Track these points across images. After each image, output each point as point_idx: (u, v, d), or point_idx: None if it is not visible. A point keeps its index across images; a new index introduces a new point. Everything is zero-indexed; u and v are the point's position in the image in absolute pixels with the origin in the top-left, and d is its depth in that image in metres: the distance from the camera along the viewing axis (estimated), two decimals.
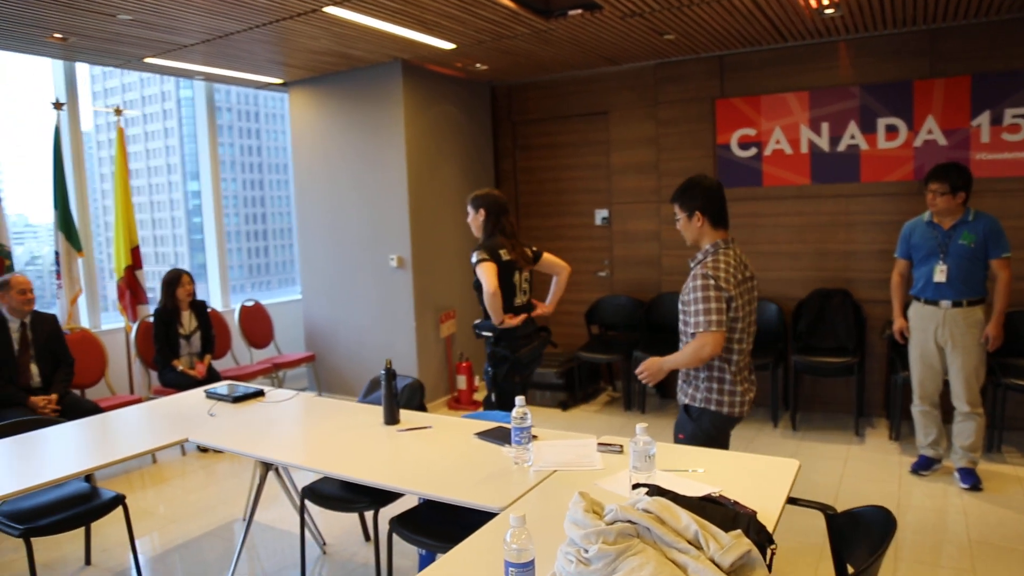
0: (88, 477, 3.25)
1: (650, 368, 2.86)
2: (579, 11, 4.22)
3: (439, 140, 6.08)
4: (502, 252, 3.77)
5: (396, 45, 5.01)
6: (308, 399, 3.50)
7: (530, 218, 6.73)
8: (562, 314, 6.56)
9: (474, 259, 3.73)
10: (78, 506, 3.13)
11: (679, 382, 2.96)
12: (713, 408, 2.80)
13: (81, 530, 3.59)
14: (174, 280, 5.20)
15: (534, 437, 2.69)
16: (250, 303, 6.37)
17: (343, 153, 6.05)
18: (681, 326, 2.86)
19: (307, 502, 3.05)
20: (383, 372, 3.00)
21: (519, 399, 2.45)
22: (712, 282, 2.69)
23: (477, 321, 3.90)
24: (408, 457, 2.64)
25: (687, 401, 2.88)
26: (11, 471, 2.71)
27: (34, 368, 4.47)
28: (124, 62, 5.25)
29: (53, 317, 4.65)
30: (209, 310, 5.66)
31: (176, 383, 5.03)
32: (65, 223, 5.16)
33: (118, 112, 5.67)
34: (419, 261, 5.84)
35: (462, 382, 6.04)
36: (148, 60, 5.14)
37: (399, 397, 3.36)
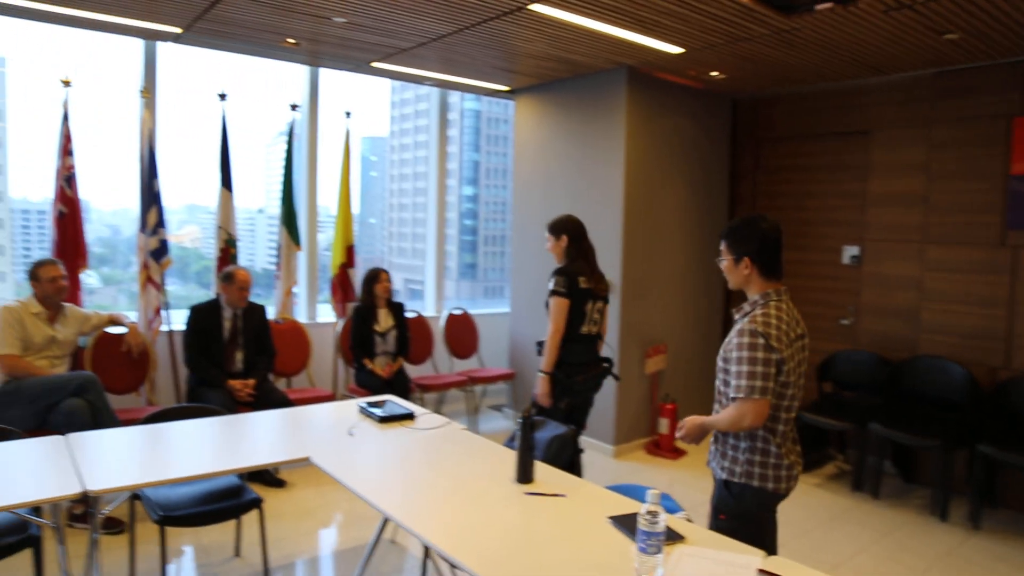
0: None
1: (690, 428, 2.54)
2: (828, 4, 3.46)
3: (665, 156, 5.51)
4: (581, 280, 3.78)
5: (617, 49, 4.56)
6: (453, 433, 3.18)
7: None
8: None
9: (551, 286, 3.76)
10: (220, 502, 3.12)
11: (711, 449, 2.60)
12: (756, 484, 2.44)
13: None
14: (373, 277, 5.22)
15: (679, 538, 2.11)
16: (458, 311, 6.28)
17: (560, 165, 5.72)
18: (720, 385, 2.50)
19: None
20: (519, 421, 2.58)
21: (651, 493, 1.89)
22: (762, 341, 2.34)
23: (542, 340, 3.86)
24: (519, 533, 2.18)
25: (725, 476, 2.50)
26: (151, 461, 2.74)
27: (239, 355, 4.68)
28: (355, 66, 5.37)
29: (262, 308, 4.84)
30: (414, 315, 5.62)
31: (367, 384, 5.03)
32: (288, 218, 5.38)
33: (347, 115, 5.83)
34: (629, 287, 5.32)
35: (664, 426, 5.42)
36: (375, 64, 5.21)
37: (547, 450, 2.94)
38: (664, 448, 5.44)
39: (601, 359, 3.96)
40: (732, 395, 2.39)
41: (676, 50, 4.47)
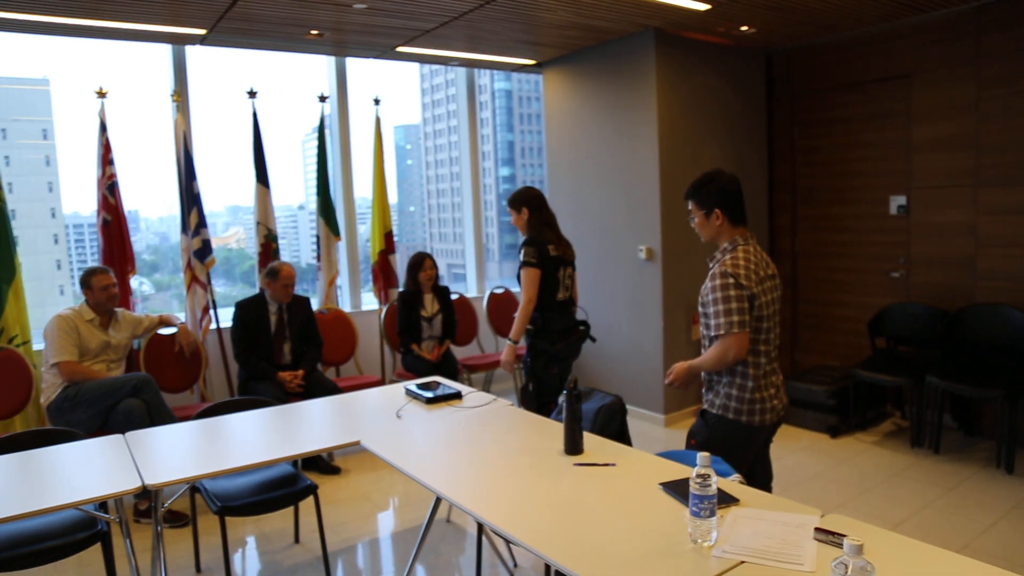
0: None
1: (678, 373, 2.76)
2: None
3: (698, 117, 5.39)
4: (550, 248, 3.87)
5: (642, 11, 4.46)
6: (500, 409, 3.17)
7: (808, 205, 5.77)
8: (839, 320, 5.56)
9: (521, 258, 3.83)
10: (276, 490, 3.17)
11: (704, 387, 2.81)
12: (731, 416, 2.66)
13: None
14: (417, 264, 5.23)
15: (733, 501, 2.07)
16: (499, 291, 6.27)
17: (591, 135, 5.65)
18: (703, 330, 2.70)
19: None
20: (564, 392, 2.56)
21: (701, 456, 1.86)
22: (732, 280, 2.55)
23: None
24: (571, 505, 2.17)
25: (705, 407, 2.77)
26: (206, 454, 2.81)
27: (287, 347, 4.74)
28: (380, 52, 5.36)
29: (307, 300, 4.89)
30: (456, 297, 5.63)
31: (414, 368, 5.06)
32: (325, 209, 5.42)
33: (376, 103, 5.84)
34: (670, 253, 5.25)
35: None
36: (400, 49, 5.19)
37: (595, 420, 2.91)
38: None
39: (578, 322, 4.06)
40: (713, 334, 2.58)
41: (703, 6, 4.35)
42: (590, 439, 2.65)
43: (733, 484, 2.24)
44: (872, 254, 5.33)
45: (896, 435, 4.93)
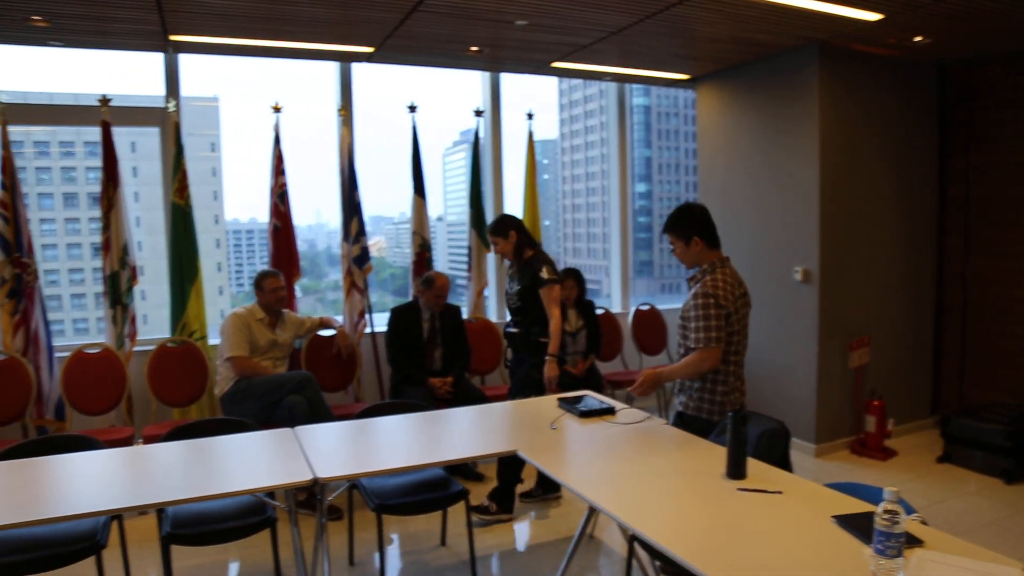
0: None
1: (647, 380, 3.08)
2: None
3: (863, 135, 5.12)
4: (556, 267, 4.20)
5: (808, 23, 4.29)
6: (655, 427, 3.12)
7: (985, 228, 5.34)
8: (1016, 354, 5.10)
9: (544, 276, 4.05)
10: (428, 492, 3.27)
11: (676, 390, 3.25)
12: (704, 416, 3.06)
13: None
14: (560, 281, 5.23)
15: (917, 543, 1.93)
16: (645, 307, 6.20)
17: (747, 151, 5.48)
18: (680, 339, 3.13)
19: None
20: (730, 414, 2.48)
21: (889, 491, 1.75)
22: (712, 300, 2.94)
23: (533, 327, 4.14)
24: (735, 529, 2.10)
25: (681, 409, 3.16)
26: (367, 452, 2.95)
27: (438, 353, 4.88)
28: (535, 68, 5.45)
29: (458, 309, 5.02)
30: (601, 311, 5.61)
31: (559, 381, 5.06)
32: (477, 221, 5.55)
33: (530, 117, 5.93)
34: (829, 276, 5.00)
35: (871, 423, 5.04)
36: (556, 64, 5.26)
37: (757, 445, 2.81)
38: (871, 447, 5.06)
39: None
40: (692, 346, 2.98)
41: (874, 16, 4.13)
42: (753, 464, 2.55)
43: (915, 524, 2.09)
44: None
45: None
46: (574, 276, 5.25)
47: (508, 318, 4.37)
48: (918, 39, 4.67)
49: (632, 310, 6.13)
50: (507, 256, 4.25)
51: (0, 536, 2.68)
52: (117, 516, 3.07)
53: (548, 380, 4.10)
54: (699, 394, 3.07)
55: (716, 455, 2.70)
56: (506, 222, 4.24)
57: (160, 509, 2.95)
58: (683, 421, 3.12)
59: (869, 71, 5.09)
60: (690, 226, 3.05)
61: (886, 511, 1.73)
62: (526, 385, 4.19)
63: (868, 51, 4.99)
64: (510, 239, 4.18)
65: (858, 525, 2.03)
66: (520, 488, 4.17)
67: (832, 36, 4.63)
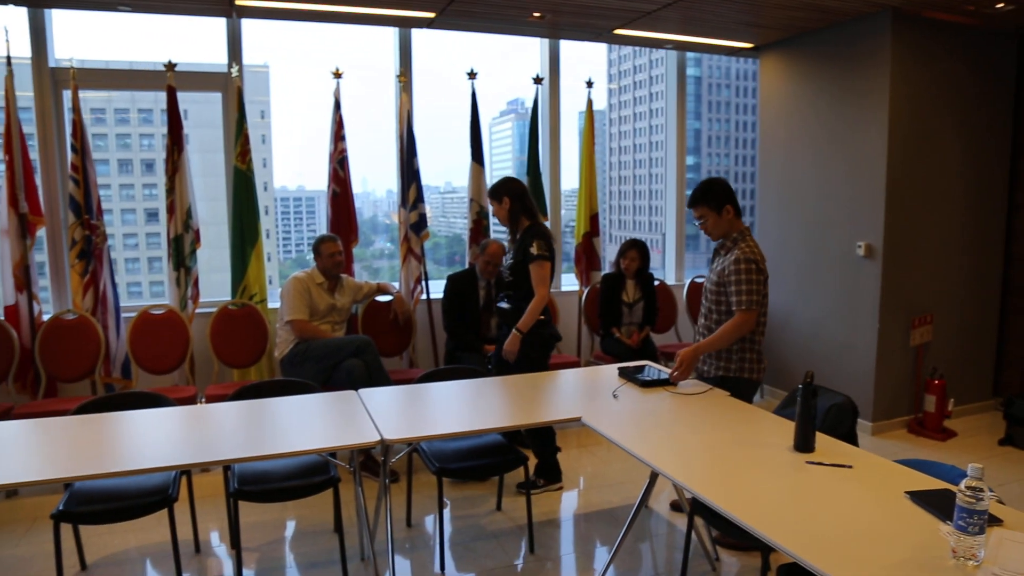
0: None
1: (686, 359, 3.18)
2: None
3: (934, 107, 4.94)
4: (552, 243, 3.88)
5: None
6: (716, 398, 3.10)
7: None
8: None
9: (534, 251, 3.77)
10: (488, 457, 3.30)
11: (704, 357, 3.30)
12: (746, 376, 3.20)
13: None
14: (623, 251, 5.24)
15: (996, 521, 1.89)
16: (701, 279, 6.13)
17: (811, 122, 5.34)
18: (710, 304, 3.25)
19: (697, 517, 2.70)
20: (799, 387, 2.45)
21: (973, 467, 1.72)
22: (754, 265, 3.08)
23: (524, 304, 3.83)
24: (806, 501, 2.08)
25: (721, 373, 3.23)
26: (428, 416, 3.00)
27: (493, 321, 4.91)
28: (596, 35, 5.36)
29: None
30: (657, 283, 5.58)
31: (613, 351, 5.08)
32: (534, 190, 5.53)
33: (589, 85, 5.85)
34: (893, 251, 4.87)
35: (930, 403, 4.93)
36: (618, 31, 5.17)
37: (824, 419, 2.78)
38: (930, 427, 4.95)
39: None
40: (734, 308, 3.10)
41: None
42: (821, 438, 2.52)
43: (994, 503, 2.05)
44: None
45: None
46: (637, 247, 5.23)
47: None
48: (1000, 5, 4.47)
49: (687, 282, 6.07)
50: (502, 222, 4.00)
51: (80, 486, 2.81)
52: (186, 471, 3.18)
53: (507, 352, 3.86)
54: (739, 355, 3.20)
55: (780, 427, 2.68)
56: (502, 186, 3.93)
57: (227, 466, 3.04)
58: (726, 385, 3.20)
59: (943, 39, 4.90)
60: (721, 196, 3.19)
61: (968, 487, 1.69)
62: (518, 362, 3.89)
63: (943, 18, 4.80)
64: (503, 204, 3.90)
65: (933, 501, 2.00)
66: (517, 481, 4.00)
67: (905, 2, 4.46)
